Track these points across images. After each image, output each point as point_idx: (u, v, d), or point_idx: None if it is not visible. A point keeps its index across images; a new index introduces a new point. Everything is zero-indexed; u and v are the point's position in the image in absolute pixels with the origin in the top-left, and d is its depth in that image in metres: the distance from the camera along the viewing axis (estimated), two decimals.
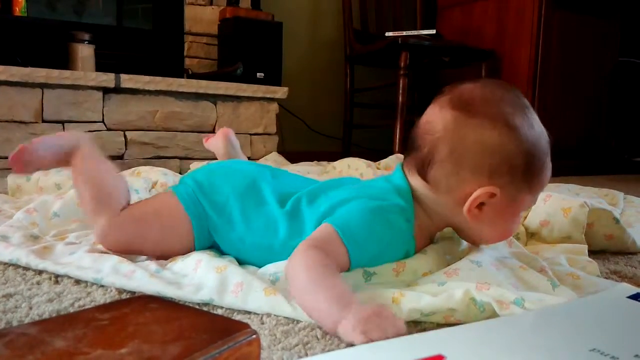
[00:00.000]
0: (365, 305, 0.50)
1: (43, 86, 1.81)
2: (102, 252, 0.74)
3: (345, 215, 0.64)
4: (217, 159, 1.21)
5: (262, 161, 2.07)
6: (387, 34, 2.39)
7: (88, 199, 0.75)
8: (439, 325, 0.57)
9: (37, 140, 0.76)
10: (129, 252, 0.73)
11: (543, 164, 0.64)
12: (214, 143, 1.20)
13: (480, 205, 0.64)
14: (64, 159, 0.77)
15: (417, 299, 0.57)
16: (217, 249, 0.76)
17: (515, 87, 0.66)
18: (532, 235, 0.95)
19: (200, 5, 2.38)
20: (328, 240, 0.61)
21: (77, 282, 0.66)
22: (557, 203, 0.93)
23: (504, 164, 0.62)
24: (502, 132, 0.62)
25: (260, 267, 0.69)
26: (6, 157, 1.72)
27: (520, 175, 0.63)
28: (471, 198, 0.63)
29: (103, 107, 1.92)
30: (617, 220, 0.92)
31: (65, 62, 1.94)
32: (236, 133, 2.18)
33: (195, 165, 1.74)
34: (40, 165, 0.78)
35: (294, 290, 0.57)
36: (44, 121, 1.81)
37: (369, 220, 0.63)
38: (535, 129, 0.64)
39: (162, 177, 1.34)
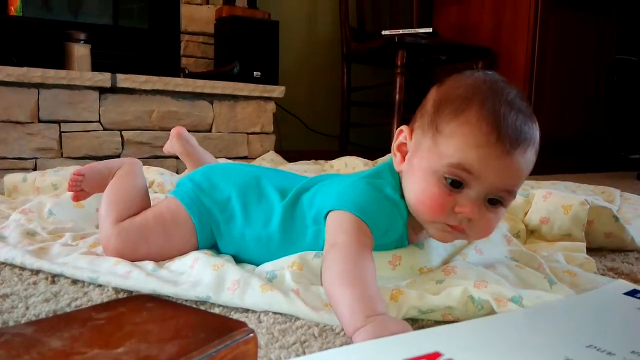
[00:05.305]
0: (390, 320, 0.48)
1: (39, 86, 1.80)
2: (99, 255, 0.74)
3: (350, 195, 0.64)
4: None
5: (259, 160, 2.07)
6: (383, 32, 2.38)
7: (104, 203, 0.76)
8: (437, 323, 0.57)
9: (85, 168, 0.82)
10: (134, 259, 0.71)
11: (455, 111, 0.60)
12: (170, 145, 1.09)
13: (403, 152, 0.66)
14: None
15: (415, 297, 0.57)
16: (216, 249, 0.76)
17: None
18: (532, 233, 0.96)
19: (196, 4, 2.38)
20: (358, 228, 0.61)
21: (74, 282, 0.66)
22: (558, 200, 0.93)
23: (420, 109, 0.65)
24: (437, 88, 0.64)
25: (257, 265, 0.69)
26: (3, 158, 1.73)
27: (429, 117, 0.62)
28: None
29: (99, 107, 1.92)
30: (617, 219, 0.93)
31: (61, 62, 1.93)
32: (233, 132, 2.21)
33: None
34: (96, 190, 0.83)
35: (325, 278, 0.56)
36: (40, 121, 1.81)
37: (373, 196, 0.64)
38: (480, 89, 0.60)
39: (159, 176, 1.34)
